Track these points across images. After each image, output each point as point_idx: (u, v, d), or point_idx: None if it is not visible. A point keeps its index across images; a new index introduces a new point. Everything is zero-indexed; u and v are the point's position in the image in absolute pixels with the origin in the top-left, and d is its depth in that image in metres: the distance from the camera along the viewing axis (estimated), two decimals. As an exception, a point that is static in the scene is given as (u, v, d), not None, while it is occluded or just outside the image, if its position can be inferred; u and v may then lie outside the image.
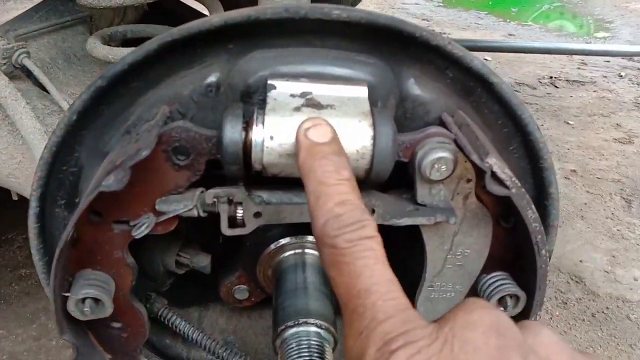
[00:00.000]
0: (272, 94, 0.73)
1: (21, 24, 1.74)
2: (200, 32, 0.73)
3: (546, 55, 4.76)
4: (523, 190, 0.73)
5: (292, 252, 0.93)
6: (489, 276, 0.87)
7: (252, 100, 0.77)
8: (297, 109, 0.71)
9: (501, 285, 0.86)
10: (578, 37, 5.88)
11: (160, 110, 0.75)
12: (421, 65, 0.80)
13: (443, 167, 0.72)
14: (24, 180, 1.42)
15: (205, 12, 2.46)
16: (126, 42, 1.76)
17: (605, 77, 4.77)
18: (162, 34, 0.73)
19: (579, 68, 4.89)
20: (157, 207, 0.76)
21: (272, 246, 0.92)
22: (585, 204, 3.06)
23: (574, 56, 5.05)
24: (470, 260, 0.84)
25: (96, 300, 0.80)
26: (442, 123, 0.79)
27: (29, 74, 1.53)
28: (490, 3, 6.77)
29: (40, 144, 1.20)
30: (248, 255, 0.96)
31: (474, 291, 0.89)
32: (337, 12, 0.72)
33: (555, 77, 4.66)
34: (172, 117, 0.77)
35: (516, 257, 0.87)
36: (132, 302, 0.88)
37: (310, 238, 0.93)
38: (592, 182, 3.21)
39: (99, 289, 0.80)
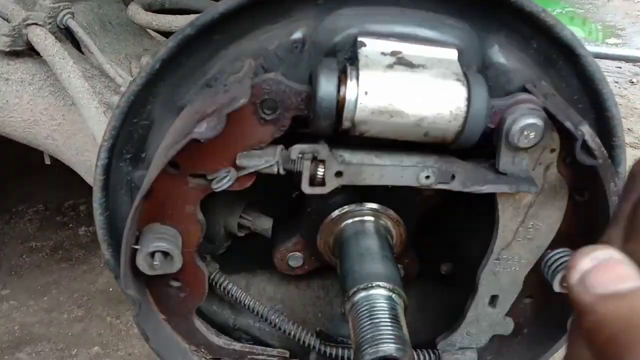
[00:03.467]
0: (362, 50, 0.72)
1: (58, -12, 1.72)
2: None
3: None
4: (609, 161, 0.73)
5: (355, 219, 0.92)
6: (554, 252, 0.87)
7: (338, 59, 0.75)
8: (390, 66, 0.71)
9: (567, 261, 0.85)
10: (588, 42, 5.89)
11: (247, 63, 0.74)
12: (507, 32, 0.79)
13: (532, 134, 0.72)
14: (62, 142, 1.40)
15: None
16: (162, 11, 1.74)
17: (617, 82, 4.78)
18: (255, -15, 0.72)
19: (591, 72, 4.90)
20: (238, 161, 0.75)
21: (336, 213, 0.92)
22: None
23: (586, 61, 5.05)
24: (541, 234, 0.84)
25: (165, 255, 0.79)
26: (526, 92, 0.78)
27: (67, 36, 1.51)
28: (502, 4, 6.79)
29: (89, 102, 1.18)
30: (308, 221, 0.96)
31: (538, 266, 0.89)
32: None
33: (567, 81, 4.68)
34: (256, 73, 0.76)
35: (583, 234, 0.86)
36: (196, 261, 0.87)
37: (371, 205, 0.93)
38: (606, 184, 3.22)
39: (169, 242, 0.79)
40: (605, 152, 0.72)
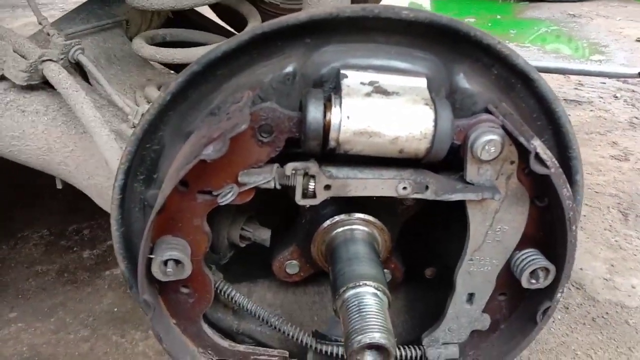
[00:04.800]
0: (345, 81, 0.84)
1: (66, 25, 1.85)
2: (288, 25, 0.84)
3: (545, 76, 4.94)
4: (561, 170, 0.84)
5: (344, 227, 1.03)
6: (521, 252, 0.99)
7: (324, 88, 0.88)
8: (368, 94, 0.83)
9: (533, 259, 0.97)
10: (574, 59, 6.09)
11: (246, 94, 0.86)
12: (470, 62, 0.92)
13: (492, 148, 0.84)
14: (74, 168, 1.51)
15: (218, 20, 2.60)
16: (164, 44, 1.87)
17: (602, 97, 4.95)
18: (253, 27, 0.84)
19: (575, 88, 5.08)
20: (239, 178, 0.86)
21: (327, 222, 1.03)
22: (585, 216, 3.19)
23: (571, 77, 5.24)
24: (508, 236, 0.95)
25: (177, 263, 0.90)
26: (488, 113, 0.90)
27: (76, 70, 1.63)
28: (489, 25, 7.00)
29: (100, 130, 1.29)
30: (302, 231, 1.07)
31: (508, 266, 1.00)
32: (405, 12, 0.83)
33: (553, 97, 4.84)
34: (254, 102, 0.88)
35: (546, 236, 0.98)
36: (203, 269, 0.97)
37: (359, 215, 1.04)
38: (591, 195, 3.34)
39: (180, 251, 0.90)
40: (556, 162, 0.84)
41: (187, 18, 2.41)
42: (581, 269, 2.66)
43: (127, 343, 2.30)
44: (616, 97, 4.93)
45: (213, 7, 2.44)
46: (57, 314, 2.49)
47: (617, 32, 6.79)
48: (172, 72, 2.33)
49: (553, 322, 2.45)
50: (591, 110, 4.65)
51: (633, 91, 5.07)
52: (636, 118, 4.42)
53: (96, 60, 1.80)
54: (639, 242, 3.00)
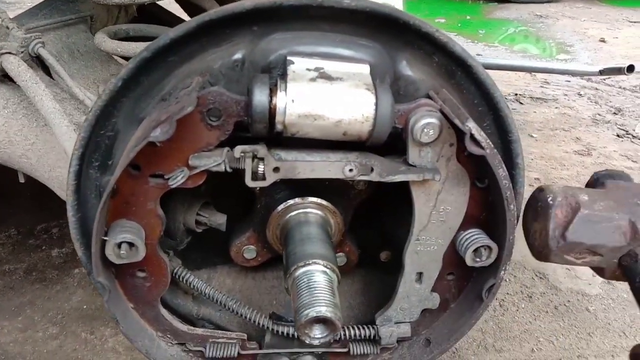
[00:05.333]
0: (291, 67, 0.88)
1: (27, 20, 1.85)
2: (234, 13, 0.87)
3: (511, 74, 5.06)
4: (495, 151, 0.89)
5: (297, 211, 1.06)
6: (465, 232, 1.03)
7: (272, 74, 0.91)
8: (313, 79, 0.86)
9: (476, 238, 1.02)
10: (541, 58, 6.25)
11: (195, 80, 0.88)
12: (412, 50, 0.96)
13: (431, 131, 0.88)
14: (36, 161, 1.52)
15: (184, 16, 2.62)
16: (127, 39, 1.88)
17: (566, 95, 5.10)
18: (200, 15, 0.87)
19: (541, 86, 5.22)
20: (190, 162, 0.89)
21: (281, 206, 1.06)
22: (548, 207, 3.27)
23: (537, 76, 5.38)
24: (451, 216, 1.00)
25: (130, 245, 0.92)
26: (429, 98, 0.95)
27: (37, 63, 1.63)
28: (459, 25, 7.13)
29: (60, 122, 1.31)
30: (258, 216, 1.10)
31: (453, 245, 1.05)
32: (347, 1, 0.87)
33: (519, 94, 4.98)
34: (203, 87, 0.91)
35: (488, 216, 1.03)
36: (158, 252, 1.00)
37: (312, 199, 1.07)
38: (554, 189, 3.44)
39: (134, 234, 0.92)
40: (490, 143, 0.88)
41: (153, 15, 2.42)
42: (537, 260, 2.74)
43: (96, 340, 2.30)
44: (580, 94, 5.09)
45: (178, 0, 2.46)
46: (25, 312, 2.47)
47: (581, 33, 7.00)
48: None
49: (517, 310, 2.54)
50: (556, 108, 4.79)
51: (596, 89, 5.24)
52: (599, 115, 4.57)
53: (59, 54, 1.80)
54: (598, 232, 3.08)
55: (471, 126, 0.86)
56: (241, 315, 1.10)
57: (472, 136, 0.86)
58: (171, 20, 2.51)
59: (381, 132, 0.87)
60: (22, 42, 1.46)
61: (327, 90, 0.86)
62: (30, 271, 2.66)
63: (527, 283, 2.70)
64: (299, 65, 0.88)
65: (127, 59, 1.89)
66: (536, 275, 2.75)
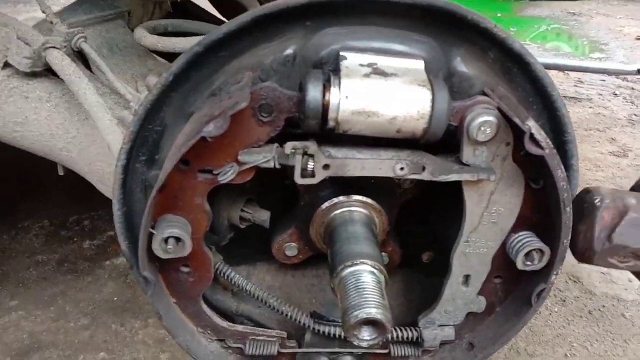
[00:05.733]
0: (344, 63, 0.86)
1: (69, 15, 1.87)
2: (288, 8, 0.86)
3: (544, 72, 4.96)
4: (555, 151, 0.86)
5: (342, 209, 1.05)
6: (517, 234, 1.00)
7: (324, 70, 0.89)
8: (367, 75, 0.84)
9: (528, 241, 0.98)
10: (574, 57, 6.11)
11: (246, 75, 0.87)
12: (467, 46, 0.93)
13: (488, 129, 0.85)
14: (76, 154, 1.53)
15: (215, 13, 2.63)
16: (165, 34, 1.89)
17: (601, 95, 4.97)
18: (254, 9, 0.86)
19: (575, 86, 5.10)
20: (239, 157, 0.87)
21: (326, 204, 1.04)
22: (583, 210, 3.19)
23: (571, 75, 5.26)
24: (503, 218, 0.97)
25: (177, 240, 0.91)
26: (484, 95, 0.92)
27: (79, 58, 1.65)
28: (490, 22, 7.01)
29: (103, 116, 1.31)
30: (301, 214, 1.08)
31: (504, 249, 1.02)
32: (403, -5, 0.85)
33: (552, 93, 4.86)
34: (254, 83, 0.89)
35: (541, 218, 0.99)
36: (203, 248, 0.99)
37: (357, 197, 1.05)
38: (589, 191, 3.35)
39: (181, 229, 0.91)
40: (550, 143, 0.85)
41: (186, 11, 2.43)
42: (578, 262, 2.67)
43: (126, 331, 2.32)
44: (615, 94, 4.95)
45: (212, -1, 2.47)
46: (57, 302, 2.51)
47: (617, 30, 6.81)
48: (173, 63, 2.35)
49: (550, 314, 2.48)
50: (590, 107, 4.67)
51: (632, 88, 5.09)
52: (635, 115, 4.44)
53: (98, 49, 1.81)
54: (636, 236, 3.00)
55: (531, 125, 0.83)
56: (283, 313, 1.08)
57: (531, 135, 0.83)
58: (205, 16, 2.52)
59: (437, 130, 0.84)
60: (66, 36, 1.47)
61: (382, 87, 0.84)
62: (63, 262, 2.70)
63: (561, 286, 2.64)
64: (352, 60, 0.86)
65: (164, 54, 1.90)
66: (570, 279, 2.69)
